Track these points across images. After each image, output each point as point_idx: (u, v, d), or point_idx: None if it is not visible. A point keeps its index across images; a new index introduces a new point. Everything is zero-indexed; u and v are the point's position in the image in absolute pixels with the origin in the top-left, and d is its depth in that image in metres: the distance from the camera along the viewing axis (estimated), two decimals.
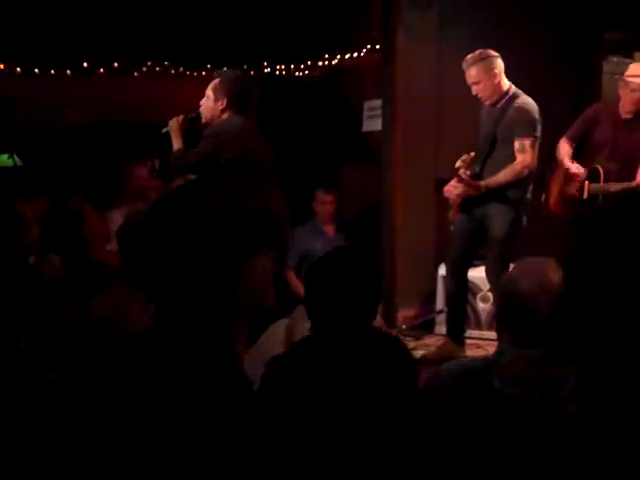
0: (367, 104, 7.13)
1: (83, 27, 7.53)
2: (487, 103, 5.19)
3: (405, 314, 6.30)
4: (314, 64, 7.67)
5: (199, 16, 7.62)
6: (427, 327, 6.19)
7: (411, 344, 5.72)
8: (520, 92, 5.15)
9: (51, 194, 5.84)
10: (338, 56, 7.45)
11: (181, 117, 5.17)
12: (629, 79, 5.51)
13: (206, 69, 8.11)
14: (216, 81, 5.17)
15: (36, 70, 7.83)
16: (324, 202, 6.53)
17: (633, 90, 5.52)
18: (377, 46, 6.87)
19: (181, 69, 8.12)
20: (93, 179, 6.55)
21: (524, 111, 5.07)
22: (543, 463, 1.14)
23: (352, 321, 2.10)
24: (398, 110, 6.32)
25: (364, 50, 7.16)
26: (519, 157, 5.03)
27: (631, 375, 1.14)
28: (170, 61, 8.10)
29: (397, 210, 6.36)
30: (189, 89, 8.09)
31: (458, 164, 5.19)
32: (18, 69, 7.79)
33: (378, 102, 6.74)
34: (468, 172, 5.14)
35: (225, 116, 5.08)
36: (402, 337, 5.93)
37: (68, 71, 7.89)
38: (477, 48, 5.65)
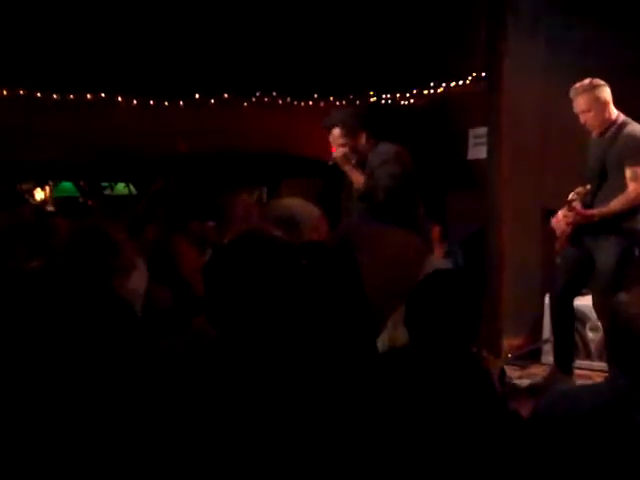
0: (472, 132, 7.13)
1: (196, 58, 7.82)
2: (595, 132, 5.13)
3: (511, 343, 6.23)
4: (419, 92, 7.72)
5: (307, 47, 7.81)
6: (534, 356, 6.10)
7: (516, 373, 5.66)
8: (629, 120, 5.08)
9: (161, 222, 6.03)
10: (444, 84, 7.48)
11: (345, 149, 5.11)
12: None
13: (313, 99, 8.29)
14: (343, 127, 5.19)
15: (151, 102, 8.16)
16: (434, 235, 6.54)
17: None
18: (483, 74, 6.87)
19: (288, 99, 8.31)
20: (200, 208, 6.73)
21: (634, 139, 4.99)
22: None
23: (447, 341, 2.16)
24: (503, 138, 6.30)
25: (470, 78, 7.18)
26: (631, 186, 4.94)
27: None
28: (278, 91, 8.30)
29: (503, 238, 6.31)
30: (297, 118, 8.31)
31: (572, 196, 5.11)
32: (134, 101, 8.13)
33: (484, 130, 6.74)
34: (580, 204, 5.07)
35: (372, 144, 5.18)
36: (508, 366, 5.89)
37: (181, 102, 8.19)
38: (584, 74, 5.61)
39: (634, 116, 5.12)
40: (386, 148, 5.13)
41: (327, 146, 8.17)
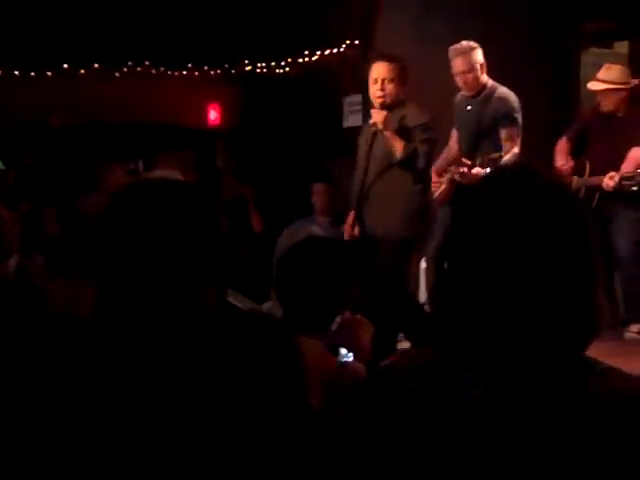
0: (347, 99, 7.14)
1: (63, 27, 7.52)
2: (470, 93, 5.26)
3: None
4: (294, 61, 7.67)
5: (179, 16, 7.63)
6: None
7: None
8: (497, 84, 5.25)
9: (33, 197, 5.83)
10: (318, 52, 7.45)
11: (384, 112, 4.80)
12: (591, 87, 5.70)
13: (187, 68, 8.13)
14: (400, 65, 4.95)
15: (16, 72, 7.81)
16: (319, 192, 6.49)
17: (600, 94, 5.67)
18: (357, 41, 6.88)
19: (162, 69, 8.11)
20: (73, 182, 6.52)
21: (506, 101, 5.18)
22: (463, 447, 1.14)
23: (314, 307, 2.13)
24: None
25: (344, 45, 7.17)
26: (507, 145, 5.11)
27: (527, 360, 1.15)
28: (151, 61, 8.09)
29: None
30: (171, 88, 8.14)
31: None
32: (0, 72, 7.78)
33: (358, 97, 6.76)
34: (461, 169, 5.14)
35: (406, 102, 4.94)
36: None
37: (49, 73, 7.87)
38: (456, 40, 5.70)
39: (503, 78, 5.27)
40: (420, 110, 4.92)
41: (202, 116, 8.07)
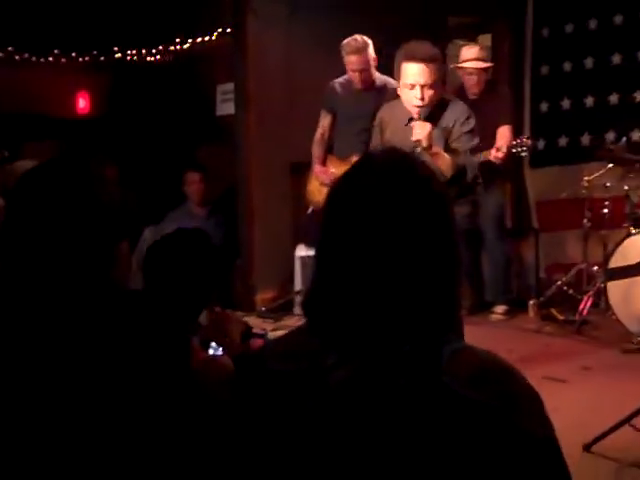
0: (220, 88, 7.10)
1: None
2: (360, 87, 5.33)
3: (264, 296, 6.34)
4: (166, 48, 7.56)
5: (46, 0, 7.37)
6: (286, 309, 6.25)
7: (271, 326, 5.75)
8: (382, 75, 5.39)
9: None
10: (190, 40, 7.37)
11: (428, 127, 3.95)
12: (464, 64, 5.94)
13: (54, 55, 7.87)
14: (440, 64, 4.15)
15: None
16: (193, 181, 6.44)
17: (470, 74, 5.93)
18: (228, 30, 6.84)
19: (27, 55, 7.82)
20: None
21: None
22: (326, 430, 1.17)
23: (187, 302, 2.11)
24: (250, 93, 6.35)
25: (215, 34, 7.12)
26: None
27: (390, 339, 1.19)
28: (15, 47, 7.78)
29: (253, 192, 6.38)
30: (37, 76, 7.86)
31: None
32: None
33: (231, 85, 6.74)
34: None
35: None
36: (262, 319, 6.00)
37: None
38: (327, 32, 5.78)
39: None
40: (462, 108, 4.15)
41: (70, 104, 7.82)
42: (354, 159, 4.81)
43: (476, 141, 4.16)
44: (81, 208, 1.54)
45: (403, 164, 1.27)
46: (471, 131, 4.08)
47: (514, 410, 1.14)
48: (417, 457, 1.12)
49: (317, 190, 5.57)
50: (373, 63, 5.29)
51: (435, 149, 3.93)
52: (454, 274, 1.24)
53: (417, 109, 3.98)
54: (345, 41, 5.24)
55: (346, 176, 1.31)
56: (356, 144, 5.31)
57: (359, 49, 5.21)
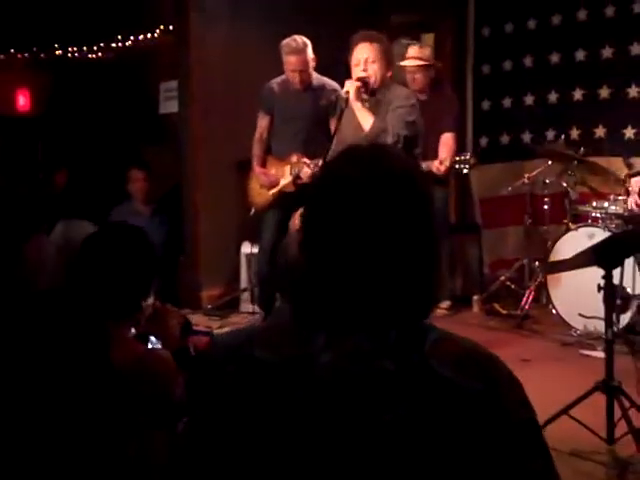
0: (163, 85, 7.05)
1: None
2: (299, 87, 5.33)
3: (210, 294, 6.31)
4: (107, 45, 7.47)
5: None
6: (232, 306, 6.23)
7: (217, 323, 5.74)
8: (320, 75, 5.39)
9: None
10: (132, 37, 7.30)
11: (357, 83, 4.31)
12: (404, 63, 5.98)
13: None
14: (386, 45, 4.44)
15: None
16: (137, 179, 6.36)
17: (411, 72, 5.96)
18: (171, 27, 6.79)
19: None
20: None
21: (338, 91, 5.31)
22: (320, 411, 1.18)
23: (122, 296, 2.09)
24: (194, 91, 6.31)
25: (158, 31, 7.06)
26: None
27: (374, 321, 1.22)
28: None
29: (198, 191, 6.35)
30: None
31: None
32: None
33: (174, 83, 6.69)
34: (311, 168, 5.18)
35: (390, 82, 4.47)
36: (208, 316, 5.98)
37: None
38: (270, 28, 5.77)
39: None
40: (406, 92, 4.55)
41: (10, 102, 7.69)
42: (293, 159, 4.83)
43: (409, 132, 4.29)
44: None
45: (386, 157, 1.29)
46: (412, 122, 4.32)
47: (498, 393, 1.18)
48: (405, 440, 1.14)
49: (257, 192, 5.58)
50: (312, 64, 5.30)
51: (358, 104, 4.29)
52: (435, 263, 1.28)
53: (359, 82, 4.30)
54: (284, 41, 5.23)
55: (330, 169, 1.33)
56: (294, 144, 5.35)
57: (298, 50, 5.21)
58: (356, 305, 1.21)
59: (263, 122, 5.54)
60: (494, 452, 1.15)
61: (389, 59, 4.43)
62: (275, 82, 5.46)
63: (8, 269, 1.56)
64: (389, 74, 4.42)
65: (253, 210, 5.64)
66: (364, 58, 4.33)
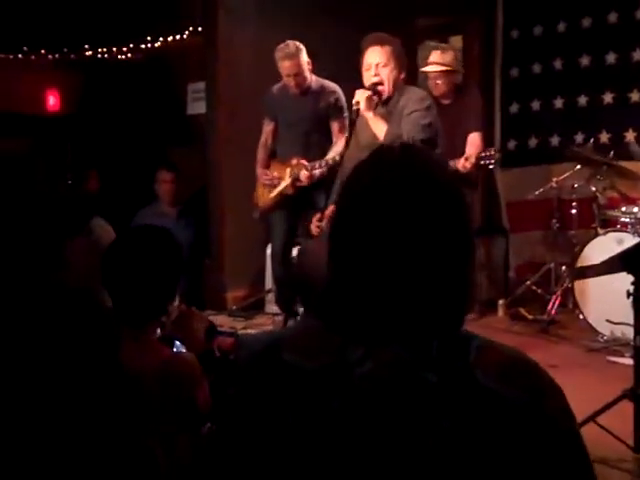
0: (191, 86, 7.08)
1: None
2: (297, 91, 5.33)
3: (235, 295, 6.32)
4: (137, 46, 7.52)
5: None
6: (257, 307, 6.24)
7: (241, 324, 5.75)
8: (319, 78, 5.39)
9: None
10: (161, 38, 7.33)
11: (368, 92, 4.21)
12: (426, 69, 5.92)
13: (22, 52, 7.80)
14: (398, 48, 4.34)
15: None
16: (165, 180, 6.40)
17: (433, 78, 5.89)
18: (199, 28, 6.82)
19: None
20: None
21: (338, 93, 5.36)
22: (359, 422, 1.15)
23: (147, 300, 2.10)
24: (221, 92, 6.33)
25: (187, 32, 7.09)
26: (340, 136, 5.24)
27: (411, 330, 1.19)
28: None
29: (224, 191, 6.37)
30: (5, 73, 7.78)
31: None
32: None
33: (202, 84, 6.72)
34: (309, 170, 5.21)
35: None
36: (233, 317, 5.99)
37: None
38: (296, 30, 5.76)
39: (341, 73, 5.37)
40: (420, 94, 4.39)
41: (39, 102, 7.75)
42: (293, 162, 4.84)
43: (426, 135, 4.20)
44: (14, 211, 1.52)
45: (419, 158, 1.25)
46: (428, 125, 4.23)
47: (543, 404, 1.15)
48: (449, 453, 1.12)
49: (260, 194, 5.61)
50: (307, 67, 5.30)
51: (371, 114, 4.19)
52: (470, 270, 1.24)
53: (370, 91, 4.21)
54: (278, 47, 5.26)
55: (361, 170, 1.27)
56: (295, 147, 5.39)
57: (291, 54, 5.22)
58: (394, 315, 1.18)
59: (268, 127, 5.60)
60: (538, 462, 1.12)
61: (401, 62, 4.33)
62: (276, 87, 5.51)
63: (50, 271, 1.57)
64: (402, 76, 4.34)
65: (255, 212, 5.69)
66: (375, 62, 4.26)
